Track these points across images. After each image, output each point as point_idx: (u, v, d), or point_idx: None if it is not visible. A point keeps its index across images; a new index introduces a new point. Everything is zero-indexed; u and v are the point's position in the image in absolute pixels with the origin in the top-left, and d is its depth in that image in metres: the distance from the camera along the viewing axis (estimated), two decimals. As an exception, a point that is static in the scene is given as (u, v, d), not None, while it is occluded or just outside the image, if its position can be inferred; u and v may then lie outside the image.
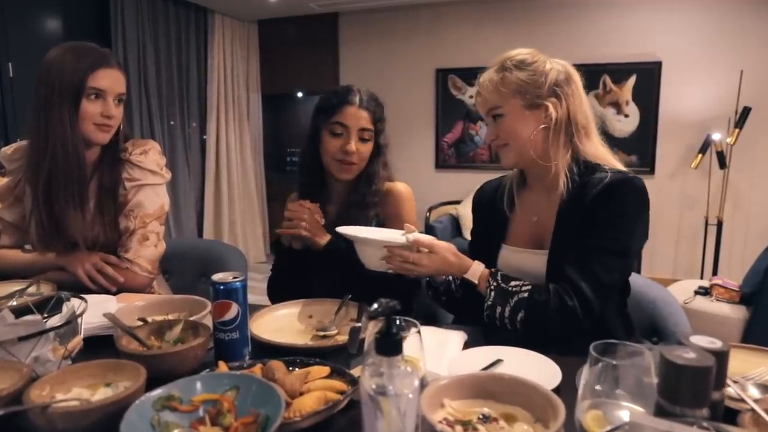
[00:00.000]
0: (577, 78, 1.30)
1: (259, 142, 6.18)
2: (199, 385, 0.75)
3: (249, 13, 5.69)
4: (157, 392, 0.73)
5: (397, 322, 0.69)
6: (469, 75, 5.28)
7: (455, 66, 5.31)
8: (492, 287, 1.18)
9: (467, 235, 4.84)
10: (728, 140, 4.15)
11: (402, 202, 1.56)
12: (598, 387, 0.71)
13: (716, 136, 4.20)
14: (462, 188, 5.20)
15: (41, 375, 0.88)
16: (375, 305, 0.64)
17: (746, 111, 4.05)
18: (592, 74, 5.09)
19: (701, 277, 4.26)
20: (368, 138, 1.54)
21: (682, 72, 4.60)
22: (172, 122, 5.10)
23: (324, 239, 1.45)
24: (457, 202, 5.10)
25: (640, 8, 4.66)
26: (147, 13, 4.76)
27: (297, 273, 1.57)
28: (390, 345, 0.64)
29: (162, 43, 4.96)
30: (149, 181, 1.61)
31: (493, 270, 1.22)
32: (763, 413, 0.66)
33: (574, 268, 1.15)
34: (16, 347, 0.89)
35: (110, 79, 1.49)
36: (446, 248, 1.23)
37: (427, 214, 4.94)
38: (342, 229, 1.30)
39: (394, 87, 5.40)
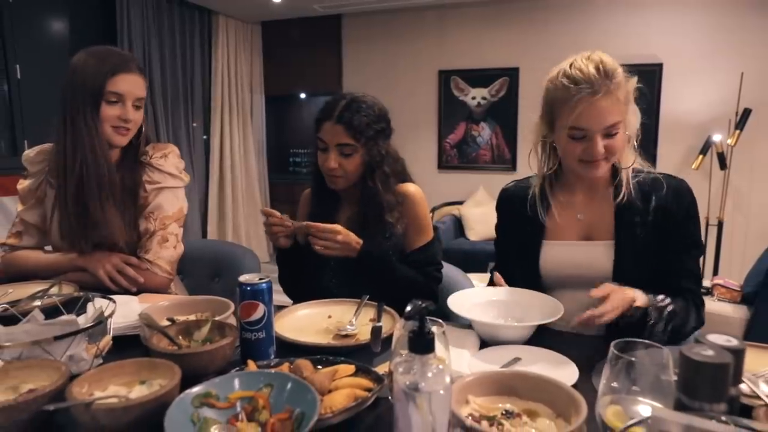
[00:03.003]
0: None
1: (263, 144, 6.22)
2: (236, 382, 0.78)
3: (252, 15, 5.72)
4: (196, 389, 0.76)
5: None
6: (472, 76, 5.32)
7: (458, 67, 5.35)
8: (652, 308, 1.19)
9: (470, 236, 4.90)
10: (729, 141, 4.19)
11: (416, 206, 1.54)
12: (617, 383, 0.74)
13: (717, 138, 4.24)
14: (464, 189, 5.24)
15: (75, 373, 0.92)
16: (409, 306, 0.67)
17: (746, 113, 4.09)
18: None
19: (702, 278, 4.30)
20: (349, 153, 1.47)
21: (683, 74, 4.63)
22: (176, 123, 5.13)
23: (356, 250, 1.41)
24: (460, 203, 5.14)
25: (641, 10, 4.70)
26: (152, 15, 4.79)
27: (301, 271, 1.58)
28: (423, 344, 0.67)
29: (167, 45, 4.99)
30: (169, 184, 1.64)
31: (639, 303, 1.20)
32: (776, 408, 0.69)
33: (686, 275, 1.30)
34: (52, 346, 0.92)
35: (129, 84, 1.52)
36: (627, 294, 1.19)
37: (430, 214, 4.97)
38: None
39: (397, 88, 5.44)
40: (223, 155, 5.65)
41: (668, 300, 1.22)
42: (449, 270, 1.70)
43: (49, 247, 1.70)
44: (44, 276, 1.53)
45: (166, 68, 4.98)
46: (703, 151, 4.32)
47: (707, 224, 4.43)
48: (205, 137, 5.60)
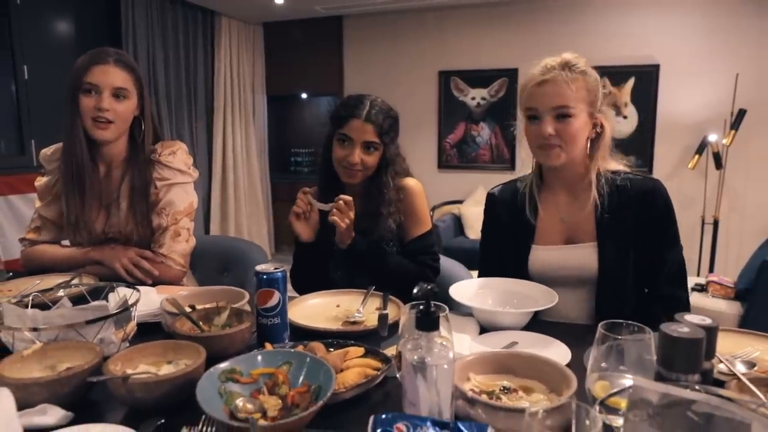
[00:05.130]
0: None
1: (264, 143, 6.28)
2: (259, 358, 0.86)
3: (255, 16, 5.79)
4: (223, 366, 0.84)
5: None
6: (471, 77, 5.40)
7: (458, 68, 5.43)
8: None
9: (470, 235, 4.98)
10: (724, 141, 4.26)
11: (414, 198, 1.64)
12: (605, 361, 0.82)
13: (712, 138, 4.32)
14: (464, 188, 5.32)
15: (106, 355, 0.99)
16: (416, 289, 0.75)
17: (741, 113, 4.17)
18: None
19: (698, 275, 4.38)
20: (374, 149, 1.58)
21: (680, 75, 4.71)
22: (179, 123, 5.20)
23: (348, 240, 1.52)
24: (460, 202, 5.22)
25: (638, 12, 4.78)
26: (156, 16, 4.86)
27: (317, 265, 1.66)
28: (429, 322, 0.74)
29: (170, 46, 5.06)
30: (178, 180, 1.71)
31: None
32: (746, 380, 0.77)
33: (668, 277, 1.35)
34: (84, 329, 1.00)
35: (103, 74, 1.57)
36: None
37: (430, 213, 5.05)
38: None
39: (397, 89, 5.51)
40: (225, 155, 5.72)
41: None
42: (452, 265, 1.78)
43: (65, 242, 1.78)
44: (62, 269, 1.60)
45: (170, 69, 5.05)
46: (699, 150, 4.39)
47: (703, 223, 4.51)
48: (209, 137, 5.67)
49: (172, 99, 5.09)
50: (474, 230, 4.93)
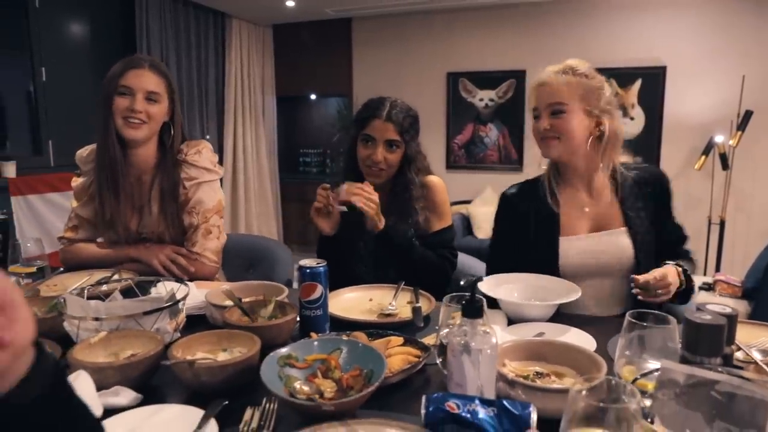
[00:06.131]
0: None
1: (274, 144, 6.36)
2: (316, 344, 0.94)
3: (265, 18, 5.87)
4: (282, 351, 0.91)
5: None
6: (480, 78, 5.46)
7: (466, 70, 5.50)
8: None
9: (478, 234, 5.05)
10: (731, 142, 4.33)
11: (437, 194, 1.73)
12: (631, 347, 0.89)
13: (719, 139, 4.38)
14: (472, 188, 5.38)
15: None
16: (463, 281, 0.82)
17: (748, 114, 4.23)
18: (598, 78, 5.31)
19: (705, 274, 4.44)
20: (396, 147, 1.67)
21: (686, 76, 4.77)
22: (191, 125, 5.28)
23: (382, 223, 1.59)
24: (468, 202, 5.28)
25: (645, 14, 4.84)
26: (169, 19, 4.94)
27: (340, 260, 1.73)
28: (474, 309, 0.82)
29: (183, 48, 5.14)
30: (206, 178, 1.77)
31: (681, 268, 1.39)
32: (762, 364, 0.84)
33: (679, 241, 1.56)
34: (143, 319, 1.07)
35: (138, 78, 1.65)
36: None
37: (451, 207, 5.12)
38: None
39: (406, 90, 5.57)
40: (236, 156, 5.79)
41: (682, 264, 1.41)
42: (469, 260, 1.86)
43: (100, 240, 1.85)
44: (100, 266, 1.68)
45: (182, 71, 5.13)
46: (706, 151, 4.45)
47: (710, 223, 4.56)
48: (218, 138, 5.74)
49: (184, 100, 5.16)
50: (482, 230, 5.00)
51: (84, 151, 1.82)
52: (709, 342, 0.77)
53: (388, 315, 1.28)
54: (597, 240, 1.49)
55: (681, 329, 0.84)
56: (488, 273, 1.61)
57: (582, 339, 1.13)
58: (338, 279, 1.64)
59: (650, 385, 0.83)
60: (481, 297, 0.84)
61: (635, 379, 0.81)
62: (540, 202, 1.55)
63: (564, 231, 1.52)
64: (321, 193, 1.61)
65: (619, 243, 1.48)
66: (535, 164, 1.64)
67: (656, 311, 0.89)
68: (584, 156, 1.50)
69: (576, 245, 1.50)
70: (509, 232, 1.61)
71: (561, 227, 1.52)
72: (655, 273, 1.29)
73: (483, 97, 5.48)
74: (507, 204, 1.64)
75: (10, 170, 3.63)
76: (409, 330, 1.19)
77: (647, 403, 0.82)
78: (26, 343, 0.41)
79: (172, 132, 1.75)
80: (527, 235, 1.54)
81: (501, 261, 1.59)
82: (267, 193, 6.14)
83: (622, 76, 4.89)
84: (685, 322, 0.79)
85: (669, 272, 1.30)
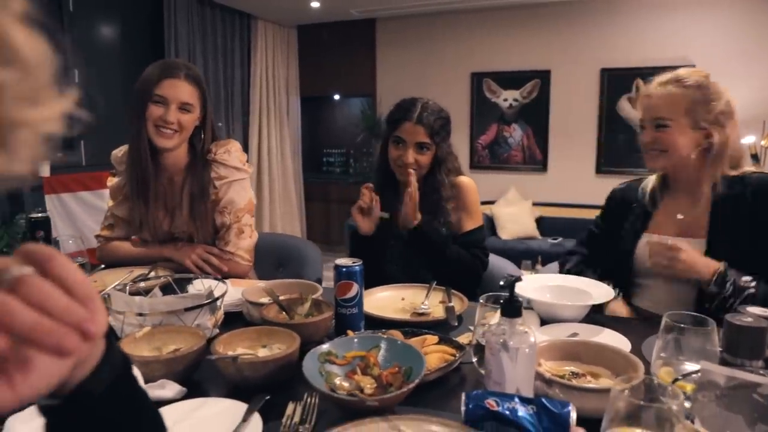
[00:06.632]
0: (736, 112, 1.46)
1: (298, 144, 6.42)
2: (356, 342, 0.96)
3: (290, 19, 5.93)
4: (322, 348, 0.94)
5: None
6: (504, 78, 5.45)
7: (490, 70, 5.49)
8: (730, 282, 1.31)
9: (502, 235, 5.04)
10: (762, 143, 4.25)
11: (468, 194, 1.75)
12: (669, 349, 0.89)
13: (750, 139, 4.31)
14: (496, 189, 5.37)
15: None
16: (502, 281, 0.83)
17: (780, 114, 4.15)
18: (625, 78, 5.27)
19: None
20: (427, 149, 1.68)
21: (715, 75, 4.61)
22: (220, 124, 5.37)
23: (415, 221, 1.61)
24: (492, 203, 5.27)
25: (672, 13, 4.78)
26: (197, 21, 5.03)
27: (373, 259, 1.75)
28: (513, 309, 0.83)
29: (209, 50, 5.22)
30: (235, 177, 1.79)
31: (722, 268, 1.32)
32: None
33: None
34: (184, 315, 1.10)
35: (173, 89, 1.65)
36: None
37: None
38: None
39: (429, 90, 5.55)
40: (261, 156, 5.86)
41: (753, 283, 1.30)
42: (498, 261, 1.86)
43: (134, 237, 1.89)
44: (135, 264, 1.71)
45: (209, 73, 5.21)
46: (736, 152, 4.37)
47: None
48: (243, 139, 5.81)
49: (211, 102, 5.23)
50: (506, 230, 4.98)
51: (119, 152, 1.86)
52: (750, 344, 0.77)
53: (422, 314, 1.29)
54: (678, 244, 1.42)
55: (720, 332, 0.84)
56: (581, 263, 1.63)
57: (616, 340, 1.13)
58: (370, 278, 1.67)
59: (689, 387, 0.83)
60: (519, 297, 0.85)
61: (675, 380, 0.82)
62: (639, 201, 1.57)
63: (650, 229, 1.52)
64: (365, 193, 1.64)
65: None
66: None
67: (695, 313, 0.89)
68: (692, 167, 1.46)
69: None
70: (607, 222, 1.64)
71: (650, 226, 1.52)
72: (673, 242, 1.29)
73: (507, 97, 5.46)
74: (612, 198, 1.68)
75: (45, 169, 3.72)
76: (442, 329, 1.20)
77: (687, 404, 0.82)
78: (103, 334, 0.44)
79: (203, 136, 1.78)
80: (616, 229, 1.57)
81: (595, 252, 1.63)
82: (291, 193, 6.20)
83: (648, 75, 4.74)
84: (726, 324, 0.79)
85: (691, 253, 1.29)
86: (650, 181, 1.58)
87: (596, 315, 1.32)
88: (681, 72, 1.44)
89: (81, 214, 3.87)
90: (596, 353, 0.97)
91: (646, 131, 1.47)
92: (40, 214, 1.83)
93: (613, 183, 1.74)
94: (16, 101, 0.34)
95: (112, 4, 4.47)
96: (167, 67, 1.68)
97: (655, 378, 0.71)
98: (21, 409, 0.72)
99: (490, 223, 5.13)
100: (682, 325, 0.87)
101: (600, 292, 1.33)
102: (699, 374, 0.77)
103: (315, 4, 5.25)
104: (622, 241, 1.54)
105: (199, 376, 1.03)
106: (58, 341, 0.37)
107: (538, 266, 4.02)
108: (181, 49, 4.82)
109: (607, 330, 1.18)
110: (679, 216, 1.50)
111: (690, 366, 0.88)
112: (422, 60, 5.77)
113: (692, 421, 0.75)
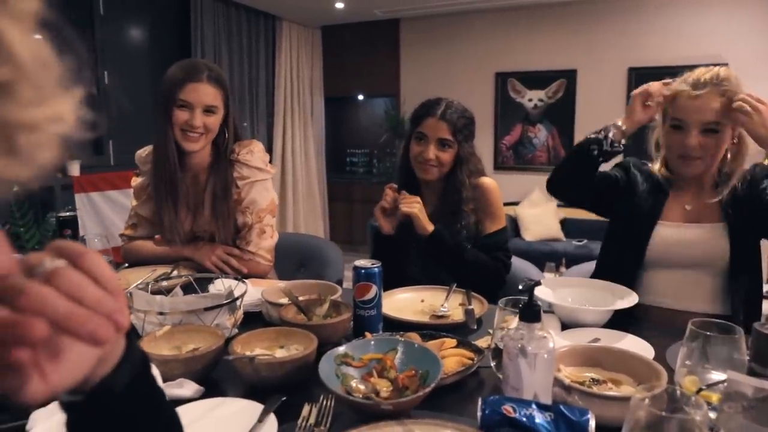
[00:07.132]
0: None
1: (322, 144, 6.45)
2: (372, 344, 0.95)
3: (315, 20, 5.96)
4: (339, 350, 0.93)
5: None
6: (528, 78, 5.39)
7: (514, 69, 5.43)
8: None
9: (526, 236, 4.98)
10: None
11: (490, 195, 1.72)
12: (694, 357, 0.87)
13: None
14: (520, 189, 5.31)
15: (223, 339, 1.10)
16: (521, 285, 0.82)
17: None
18: (653, 77, 5.07)
19: None
20: (449, 146, 1.67)
21: (748, 73, 4.47)
22: (245, 124, 5.42)
23: (431, 227, 1.61)
24: (516, 203, 5.21)
25: (702, 9, 4.66)
26: (223, 23, 5.09)
27: (394, 260, 1.75)
28: (531, 313, 0.81)
29: (235, 51, 5.28)
30: (258, 177, 1.80)
31: None
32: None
33: None
34: (204, 315, 1.11)
35: (196, 92, 1.66)
36: None
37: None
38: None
39: (453, 90, 5.53)
40: (284, 157, 5.89)
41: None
42: (522, 264, 1.84)
43: (157, 237, 1.92)
44: (156, 263, 1.74)
45: (234, 73, 5.27)
46: (769, 152, 4.25)
47: None
48: (268, 139, 5.85)
49: (236, 102, 5.30)
50: (530, 232, 4.92)
51: (143, 152, 1.88)
52: (779, 354, 0.75)
53: (441, 317, 1.28)
54: (688, 231, 1.44)
55: (749, 340, 0.81)
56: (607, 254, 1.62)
57: (639, 346, 1.10)
58: (390, 279, 1.67)
59: (714, 397, 0.81)
60: (538, 301, 0.84)
61: (699, 390, 0.79)
62: (653, 188, 1.54)
63: (662, 217, 1.49)
64: (389, 193, 1.64)
65: (712, 236, 1.42)
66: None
67: (721, 321, 0.86)
68: (714, 169, 1.45)
69: (665, 233, 1.47)
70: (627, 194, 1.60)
71: (664, 215, 1.49)
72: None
73: (532, 98, 5.40)
74: (635, 166, 1.62)
75: (75, 169, 3.81)
76: (461, 332, 1.19)
77: (712, 415, 0.80)
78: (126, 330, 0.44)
79: (226, 135, 1.79)
80: (630, 217, 1.54)
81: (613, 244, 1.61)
82: (315, 193, 6.23)
83: (678, 74, 4.68)
84: (755, 333, 0.76)
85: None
86: (654, 170, 1.55)
87: (617, 320, 1.29)
88: (720, 72, 1.37)
89: (109, 213, 3.96)
90: (618, 360, 0.95)
91: (691, 135, 1.37)
92: (68, 213, 1.87)
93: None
94: (16, 102, 0.34)
95: (141, 6, 4.55)
96: (190, 70, 1.68)
97: (678, 387, 0.69)
98: (47, 402, 0.73)
99: (514, 225, 5.08)
100: (708, 333, 0.85)
101: (625, 297, 1.30)
102: (725, 384, 0.75)
103: (339, 5, 5.27)
104: (633, 233, 1.50)
105: (217, 376, 1.04)
106: (93, 329, 0.37)
107: (562, 268, 3.97)
108: (207, 51, 4.88)
109: (630, 336, 1.16)
110: (687, 207, 1.47)
111: (716, 375, 0.85)
112: (446, 60, 5.74)
113: (717, 433, 0.72)
